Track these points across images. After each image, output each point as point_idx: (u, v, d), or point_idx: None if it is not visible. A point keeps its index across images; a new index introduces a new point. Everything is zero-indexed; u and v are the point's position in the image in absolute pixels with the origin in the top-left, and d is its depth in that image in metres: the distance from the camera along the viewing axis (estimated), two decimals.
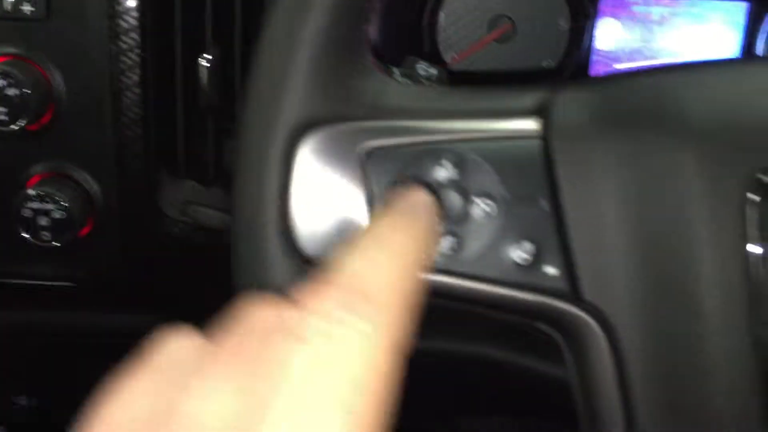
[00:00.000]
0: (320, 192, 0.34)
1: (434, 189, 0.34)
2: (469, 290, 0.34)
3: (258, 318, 0.25)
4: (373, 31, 0.65)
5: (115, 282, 0.60)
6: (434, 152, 0.34)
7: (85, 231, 0.57)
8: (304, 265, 0.34)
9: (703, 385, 0.32)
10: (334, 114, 0.34)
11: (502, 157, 0.35)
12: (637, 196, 0.33)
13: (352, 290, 0.25)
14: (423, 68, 0.50)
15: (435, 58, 0.76)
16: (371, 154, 0.34)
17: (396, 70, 0.47)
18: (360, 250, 0.28)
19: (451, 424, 0.86)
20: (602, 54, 0.76)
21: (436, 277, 0.34)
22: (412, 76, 0.48)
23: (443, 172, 0.34)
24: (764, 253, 0.32)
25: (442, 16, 0.75)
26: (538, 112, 0.35)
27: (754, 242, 0.32)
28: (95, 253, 0.59)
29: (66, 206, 0.55)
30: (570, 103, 0.35)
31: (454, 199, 0.34)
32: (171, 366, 0.25)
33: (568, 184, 0.34)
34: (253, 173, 0.34)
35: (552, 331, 0.36)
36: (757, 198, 0.32)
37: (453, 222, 0.34)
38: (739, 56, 0.74)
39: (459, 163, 0.34)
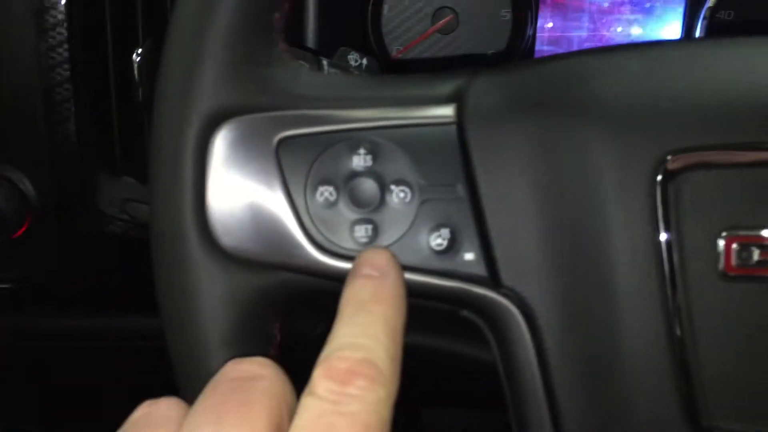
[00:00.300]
0: (236, 183, 0.34)
1: (349, 178, 0.34)
2: None
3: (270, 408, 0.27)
4: (312, 22, 0.65)
5: (53, 283, 0.59)
6: (349, 140, 0.34)
7: (20, 232, 0.56)
8: (222, 258, 0.34)
9: (620, 368, 0.33)
10: (247, 104, 0.34)
11: (418, 144, 0.34)
12: (549, 180, 0.33)
13: (358, 364, 0.28)
14: (354, 59, 0.49)
15: (380, 51, 0.76)
16: (285, 144, 0.34)
17: (326, 61, 0.47)
18: (350, 321, 0.30)
19: (415, 416, 0.86)
20: (547, 43, 0.77)
21: (352, 265, 0.34)
22: (343, 67, 0.48)
23: (358, 160, 0.34)
24: (671, 235, 0.32)
25: (385, 8, 0.75)
26: (455, 98, 0.35)
27: (663, 224, 0.32)
28: (32, 254, 0.58)
29: (0, 207, 0.54)
30: (484, 88, 0.35)
31: (370, 186, 0.34)
32: None
33: (482, 170, 0.34)
34: (168, 166, 0.34)
35: (475, 317, 0.36)
36: (664, 179, 0.32)
37: (369, 210, 0.34)
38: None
39: (374, 151, 0.34)
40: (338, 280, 0.34)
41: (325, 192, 0.34)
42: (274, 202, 0.34)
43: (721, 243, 0.32)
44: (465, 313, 0.36)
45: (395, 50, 0.76)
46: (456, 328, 0.38)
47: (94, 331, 0.64)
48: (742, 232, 0.32)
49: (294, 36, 0.64)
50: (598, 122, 0.33)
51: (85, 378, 0.74)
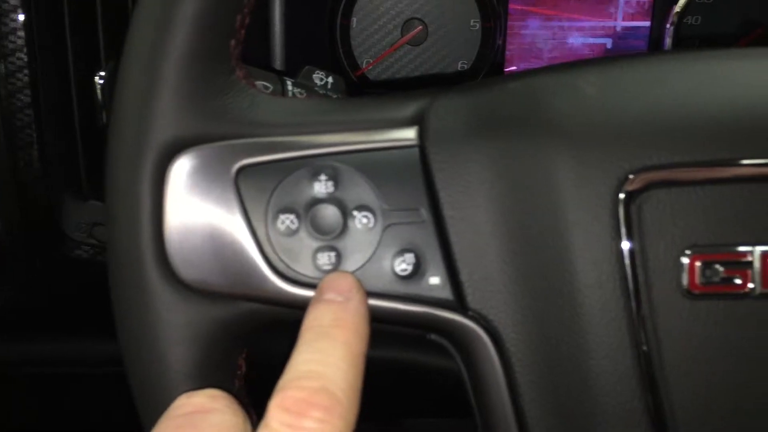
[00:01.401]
0: (195, 214, 0.33)
1: (311, 205, 0.34)
2: None
3: None
4: (278, 38, 0.65)
5: (21, 309, 0.58)
6: (310, 167, 0.34)
7: None
8: (183, 290, 0.33)
9: (588, 388, 0.33)
10: (204, 133, 0.33)
11: (380, 169, 0.34)
12: (512, 202, 0.33)
13: (315, 394, 0.27)
14: (320, 77, 0.49)
15: (350, 64, 0.76)
16: (244, 172, 0.33)
17: (290, 82, 0.46)
18: (310, 347, 0.29)
19: (385, 427, 0.85)
20: (516, 52, 0.77)
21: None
22: (308, 86, 0.47)
23: (320, 187, 0.34)
24: (635, 253, 0.32)
25: (354, 21, 0.75)
26: (417, 120, 0.35)
27: (626, 243, 0.32)
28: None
29: None
30: (445, 110, 0.35)
31: (332, 213, 0.34)
32: None
33: (446, 193, 0.34)
34: (124, 198, 0.33)
35: (442, 340, 0.36)
36: (626, 198, 0.32)
37: (332, 237, 0.34)
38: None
39: (336, 177, 0.34)
40: (303, 308, 0.34)
41: (287, 220, 0.33)
42: (234, 232, 0.33)
43: (685, 261, 0.32)
44: (432, 336, 0.36)
45: (365, 63, 0.76)
46: (425, 344, 0.38)
47: (58, 357, 0.63)
48: (705, 250, 0.32)
49: (261, 52, 0.63)
50: (559, 142, 0.33)
51: (46, 405, 0.72)
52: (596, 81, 0.35)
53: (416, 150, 0.34)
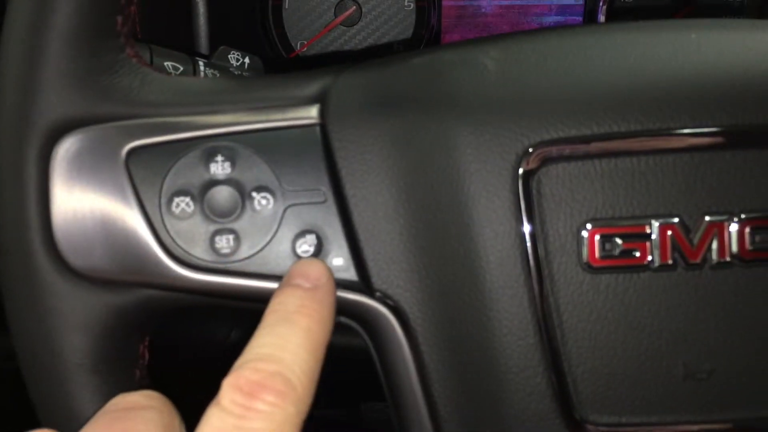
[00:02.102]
0: (84, 199, 0.32)
1: (207, 187, 0.33)
2: (252, 289, 0.33)
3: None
4: (202, 20, 0.63)
5: None
6: (205, 148, 0.33)
7: None
8: (74, 278, 0.32)
9: (494, 365, 0.32)
10: (91, 114, 0.32)
11: (280, 149, 0.33)
12: (414, 179, 0.32)
13: (270, 377, 0.26)
14: (236, 57, 0.48)
15: (284, 46, 0.74)
16: (136, 154, 0.32)
17: (202, 62, 0.45)
18: (271, 331, 0.28)
19: (355, 411, 0.85)
20: (452, 31, 0.76)
21: (215, 278, 0.32)
22: (222, 67, 0.46)
23: (216, 168, 0.33)
24: (536, 228, 0.32)
25: (286, 3, 0.74)
26: (319, 99, 0.34)
27: (527, 218, 0.32)
28: None
29: None
30: (348, 87, 0.34)
31: (229, 195, 0.33)
32: None
33: (347, 171, 0.33)
34: (8, 183, 0.32)
35: (351, 322, 0.35)
36: (525, 173, 0.32)
37: (230, 219, 0.33)
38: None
39: (233, 158, 0.33)
40: (202, 293, 0.33)
41: (182, 203, 0.32)
42: (126, 216, 0.32)
43: (585, 235, 0.32)
44: (341, 319, 0.35)
45: (299, 45, 0.74)
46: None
47: None
48: (604, 223, 0.31)
49: (185, 35, 0.61)
50: (458, 117, 0.32)
51: None
52: (498, 56, 0.34)
53: (317, 129, 0.33)
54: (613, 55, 0.33)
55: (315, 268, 0.32)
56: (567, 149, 0.31)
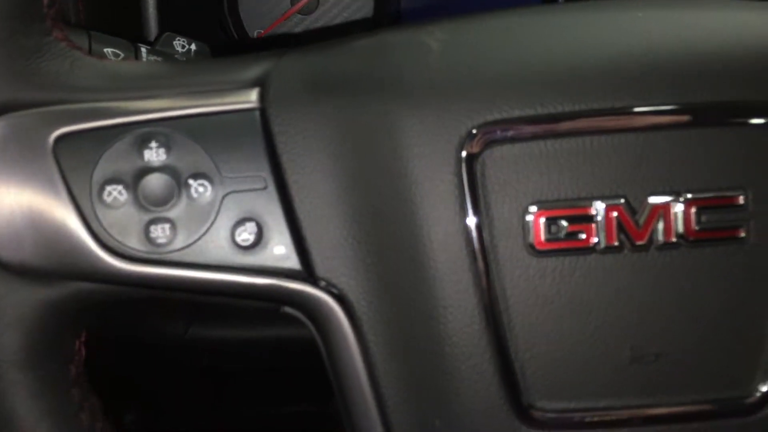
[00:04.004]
0: (9, 188, 0.31)
1: (140, 175, 0.31)
2: (190, 280, 0.32)
3: None
4: (151, 7, 0.61)
5: None
6: (138, 134, 0.32)
7: None
8: (2, 271, 0.31)
9: (441, 353, 0.32)
10: (14, 99, 0.31)
11: (218, 134, 0.32)
12: (356, 164, 0.32)
13: None
14: (181, 44, 0.46)
15: (240, 34, 0.73)
16: (64, 141, 0.31)
17: (144, 48, 0.44)
18: None
19: (324, 407, 0.84)
20: (413, 16, 0.75)
21: (151, 269, 0.31)
22: (166, 54, 0.45)
23: (150, 155, 0.32)
24: (480, 212, 0.31)
25: None
26: (259, 82, 0.33)
27: (471, 202, 0.31)
28: None
29: None
30: (288, 71, 0.33)
31: (164, 183, 0.32)
32: None
33: (288, 157, 0.32)
34: None
35: (295, 312, 0.34)
36: (468, 156, 0.31)
37: (166, 208, 0.32)
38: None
39: (168, 144, 0.32)
40: (138, 285, 0.32)
41: (114, 191, 0.31)
42: (55, 206, 0.31)
43: (530, 218, 0.31)
44: (286, 309, 0.34)
45: (256, 34, 0.73)
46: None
47: None
48: (549, 206, 0.31)
49: (135, 23, 0.60)
50: (400, 100, 0.31)
51: None
52: (443, 37, 0.33)
53: (257, 113, 0.32)
54: (558, 35, 0.33)
55: None
56: (511, 130, 0.31)
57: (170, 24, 0.63)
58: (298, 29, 0.74)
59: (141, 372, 0.51)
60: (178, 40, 0.47)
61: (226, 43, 0.72)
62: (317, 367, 0.34)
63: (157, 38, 0.46)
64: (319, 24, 0.74)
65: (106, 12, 0.54)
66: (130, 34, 0.52)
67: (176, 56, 0.46)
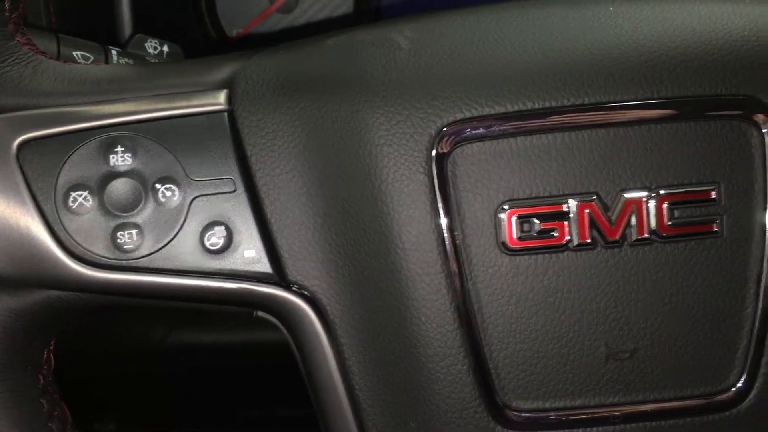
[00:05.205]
0: None
1: (106, 180, 0.31)
2: (159, 285, 0.31)
3: None
4: (125, 8, 0.61)
5: None
6: (104, 139, 0.31)
7: None
8: None
9: (415, 354, 0.31)
10: None
11: (184, 138, 0.32)
12: (326, 165, 0.31)
13: None
14: (153, 45, 0.46)
15: (218, 34, 0.72)
16: (28, 147, 0.30)
17: (115, 51, 0.43)
18: None
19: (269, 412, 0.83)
20: (392, 11, 0.75)
21: (118, 275, 0.31)
22: (137, 56, 0.44)
23: (116, 160, 0.31)
24: (452, 211, 0.31)
25: None
26: (228, 84, 0.32)
27: (442, 201, 0.30)
28: None
29: None
30: (257, 71, 0.33)
31: (131, 188, 0.31)
32: None
33: (257, 159, 0.31)
34: None
35: (269, 317, 0.34)
36: (439, 155, 0.30)
37: (133, 213, 0.31)
38: None
39: (134, 148, 0.31)
40: (105, 292, 0.31)
41: (79, 198, 0.31)
42: (20, 213, 0.30)
43: (502, 216, 0.31)
44: (259, 313, 0.34)
45: (235, 33, 0.72)
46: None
47: None
48: (522, 204, 0.30)
49: (108, 25, 0.59)
50: (369, 99, 0.31)
51: None
52: (413, 35, 0.33)
53: (225, 115, 0.32)
54: (527, 31, 0.32)
55: None
56: (481, 128, 0.30)
57: (146, 24, 0.62)
58: (277, 28, 0.73)
59: (118, 380, 0.51)
60: (150, 41, 0.46)
61: (204, 44, 0.71)
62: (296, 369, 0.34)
63: (128, 40, 0.46)
64: (299, 22, 0.73)
65: (79, 13, 0.53)
66: (103, 35, 0.51)
67: (148, 58, 0.45)
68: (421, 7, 0.72)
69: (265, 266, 0.32)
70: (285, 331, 0.33)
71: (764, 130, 0.30)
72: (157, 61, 0.45)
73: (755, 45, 0.31)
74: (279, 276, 0.32)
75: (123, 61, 0.43)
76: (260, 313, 0.34)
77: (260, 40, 0.73)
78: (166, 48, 0.46)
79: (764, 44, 0.31)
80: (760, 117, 0.30)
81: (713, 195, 0.31)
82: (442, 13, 0.35)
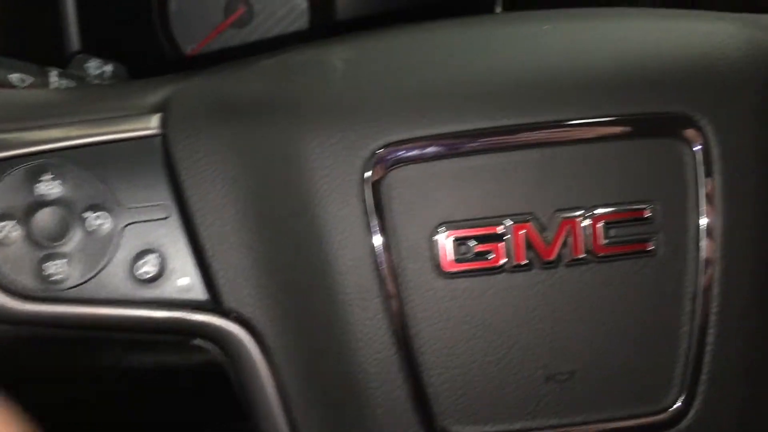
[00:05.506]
0: None
1: (33, 209, 0.30)
2: (89, 317, 0.31)
3: None
4: (72, 26, 0.60)
5: None
6: (30, 166, 0.30)
7: None
8: None
9: (354, 379, 0.31)
10: None
11: (115, 164, 0.31)
12: (261, 190, 0.31)
13: None
14: (95, 66, 0.45)
15: (173, 49, 0.71)
16: None
17: (55, 72, 0.42)
18: None
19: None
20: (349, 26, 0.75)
21: (46, 307, 0.30)
22: (78, 77, 0.43)
23: (44, 188, 0.30)
24: (387, 235, 0.30)
25: (173, 5, 0.71)
26: (161, 107, 0.32)
27: (378, 224, 0.30)
28: None
29: None
30: (190, 95, 0.32)
31: (59, 216, 0.30)
32: None
33: (191, 184, 0.31)
34: None
35: (206, 344, 0.33)
36: (373, 178, 0.30)
37: (61, 243, 0.30)
38: None
39: (63, 176, 0.30)
40: (34, 324, 0.31)
41: (5, 228, 0.30)
42: None
43: (438, 239, 0.30)
44: (197, 341, 0.33)
45: (190, 49, 0.72)
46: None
47: None
48: (457, 226, 0.30)
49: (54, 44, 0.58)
50: (302, 123, 0.31)
51: None
52: (348, 56, 0.33)
53: (158, 140, 0.31)
54: (461, 51, 0.32)
55: None
56: (414, 151, 0.30)
57: (95, 42, 0.61)
58: (233, 43, 0.72)
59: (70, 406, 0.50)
60: (92, 61, 0.45)
61: (158, 62, 0.70)
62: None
63: (68, 60, 0.45)
64: (255, 37, 0.72)
65: (23, 32, 0.52)
66: (49, 54, 0.50)
67: (89, 79, 0.44)
68: (377, 22, 0.72)
69: (199, 293, 0.31)
70: (222, 357, 0.33)
71: (695, 148, 0.30)
72: (99, 81, 0.45)
73: (686, 61, 0.31)
74: (214, 303, 0.31)
75: (63, 82, 0.42)
76: (197, 341, 0.33)
77: (216, 57, 0.72)
78: (109, 68, 0.45)
79: (695, 60, 0.31)
80: (691, 134, 0.30)
81: (648, 214, 0.31)
82: (378, 32, 0.35)
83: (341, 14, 0.74)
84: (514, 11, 0.68)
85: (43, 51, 0.56)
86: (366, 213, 0.30)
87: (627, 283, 0.31)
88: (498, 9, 0.74)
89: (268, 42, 0.72)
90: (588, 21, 0.34)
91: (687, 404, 0.31)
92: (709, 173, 0.30)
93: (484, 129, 0.30)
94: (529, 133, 0.30)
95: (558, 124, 0.30)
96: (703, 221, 0.31)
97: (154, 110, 0.32)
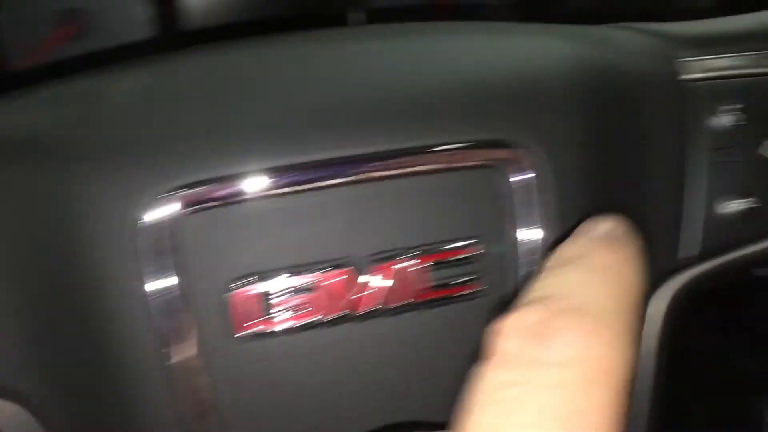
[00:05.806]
0: None
1: None
2: None
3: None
4: None
5: None
6: None
7: None
8: None
9: None
10: None
11: None
12: (28, 243, 0.26)
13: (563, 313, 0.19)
14: None
15: (1, 67, 0.64)
16: None
17: None
18: (561, 269, 0.20)
19: None
20: (197, 37, 0.70)
21: None
22: None
23: None
24: (171, 293, 0.26)
25: (2, 16, 0.63)
26: None
27: (159, 282, 0.26)
28: None
29: None
30: None
31: None
32: None
33: None
34: None
35: None
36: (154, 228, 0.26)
37: None
38: None
39: None
40: None
41: None
42: None
43: (234, 295, 0.26)
44: None
45: (20, 65, 0.65)
46: None
47: None
48: (252, 281, 0.26)
49: None
50: (73, 163, 0.26)
51: None
52: (129, 87, 0.28)
53: None
54: (265, 75, 0.29)
55: (607, 224, 0.22)
56: (200, 194, 0.26)
57: None
58: (68, 56, 0.66)
59: None
60: None
61: None
62: None
63: None
64: (94, 48, 0.66)
65: None
66: None
67: None
68: (222, 34, 0.67)
69: None
70: None
71: (511, 179, 0.28)
72: None
73: (505, 85, 0.29)
74: None
75: None
76: None
77: (48, 72, 0.66)
78: None
79: (512, 85, 0.29)
80: (507, 164, 0.28)
81: (472, 251, 0.28)
82: (194, 50, 0.30)
83: (183, 26, 0.69)
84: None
85: None
86: (147, 270, 0.26)
87: (454, 326, 0.28)
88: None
89: (107, 54, 0.67)
90: (402, 41, 0.31)
91: None
92: (533, 202, 0.28)
93: (282, 168, 0.26)
94: (335, 168, 0.27)
95: (374, 159, 0.27)
96: (531, 255, 0.28)
97: None
